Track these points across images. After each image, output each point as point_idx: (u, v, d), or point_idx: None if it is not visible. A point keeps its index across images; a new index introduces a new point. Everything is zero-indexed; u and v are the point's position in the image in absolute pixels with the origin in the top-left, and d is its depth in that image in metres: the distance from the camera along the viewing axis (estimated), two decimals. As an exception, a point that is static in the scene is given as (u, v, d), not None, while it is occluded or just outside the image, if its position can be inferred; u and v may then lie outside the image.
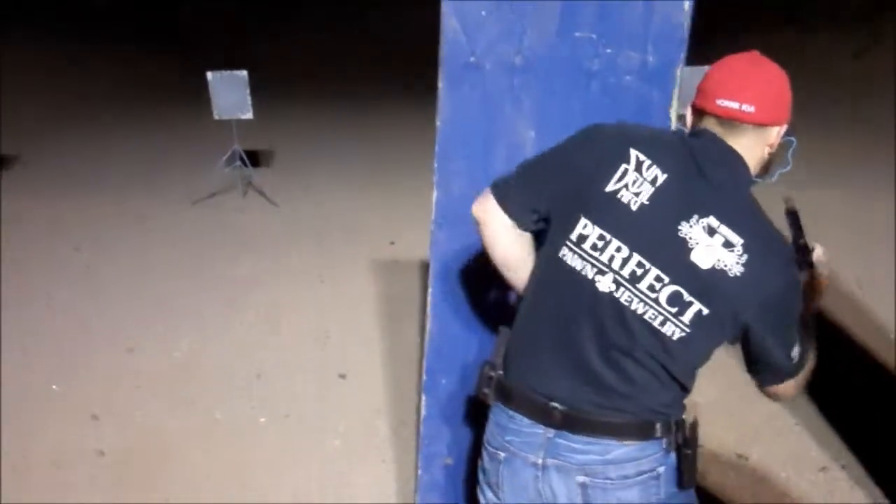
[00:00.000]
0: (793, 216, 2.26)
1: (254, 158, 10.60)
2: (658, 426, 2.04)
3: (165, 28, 21.77)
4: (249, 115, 9.07)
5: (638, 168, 1.96)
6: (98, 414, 4.68)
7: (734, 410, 4.23)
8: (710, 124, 2.02)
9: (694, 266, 1.91)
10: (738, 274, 1.89)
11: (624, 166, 1.97)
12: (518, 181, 2.16)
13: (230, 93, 8.97)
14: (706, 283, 1.90)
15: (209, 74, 8.92)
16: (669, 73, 2.63)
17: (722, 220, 1.91)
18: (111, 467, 4.20)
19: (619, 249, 1.96)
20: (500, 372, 2.23)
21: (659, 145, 2.01)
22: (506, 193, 2.16)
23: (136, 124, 14.47)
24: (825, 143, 12.48)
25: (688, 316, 1.93)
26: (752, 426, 4.29)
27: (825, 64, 18.11)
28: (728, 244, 1.90)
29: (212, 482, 4.05)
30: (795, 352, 2.03)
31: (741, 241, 1.90)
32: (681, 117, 2.46)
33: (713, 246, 1.90)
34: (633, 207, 1.95)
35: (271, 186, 9.89)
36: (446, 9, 2.65)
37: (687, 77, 8.56)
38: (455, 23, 2.66)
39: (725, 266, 1.89)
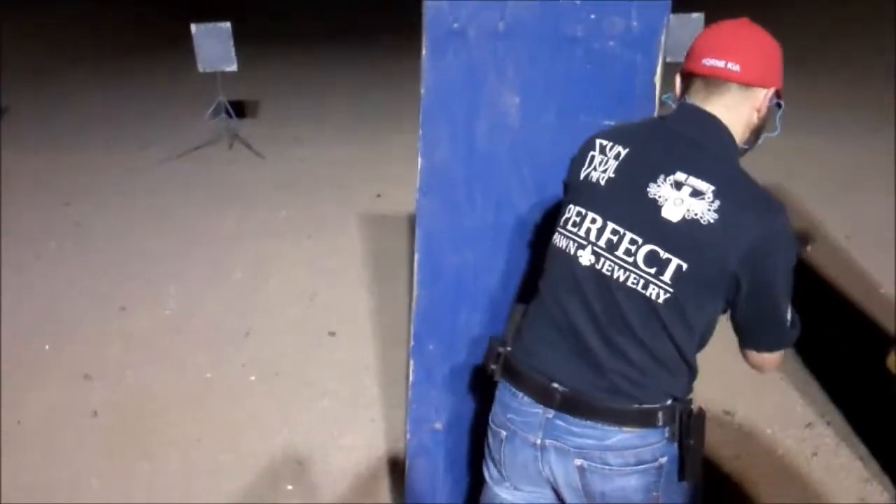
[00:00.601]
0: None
1: (239, 109, 10.57)
2: (660, 414, 2.02)
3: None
4: (234, 67, 9.03)
5: (602, 151, 2.06)
6: (91, 374, 4.70)
7: (721, 366, 4.23)
8: (696, 86, 2.03)
9: (665, 222, 1.89)
10: (712, 220, 1.85)
11: (591, 154, 2.09)
12: None
13: (214, 45, 8.92)
14: (680, 236, 1.88)
15: (193, 27, 8.85)
16: (654, 39, 2.61)
17: (689, 172, 1.91)
18: (104, 428, 4.23)
19: (594, 221, 2.01)
20: (509, 348, 2.24)
21: (624, 129, 2.13)
22: None
23: (121, 76, 14.38)
24: (811, 87, 12.47)
25: (668, 274, 1.90)
26: (738, 382, 4.31)
27: (812, 6, 18.02)
28: (696, 193, 1.88)
29: (203, 443, 4.07)
30: (790, 315, 2.00)
31: (711, 187, 1.87)
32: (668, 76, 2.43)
33: (682, 198, 1.89)
34: (602, 183, 2.02)
35: (257, 138, 9.87)
36: (428, -25, 2.62)
37: (675, 25, 8.47)
38: (438, -11, 2.64)
39: (696, 215, 1.86)
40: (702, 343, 2.05)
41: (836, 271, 5.79)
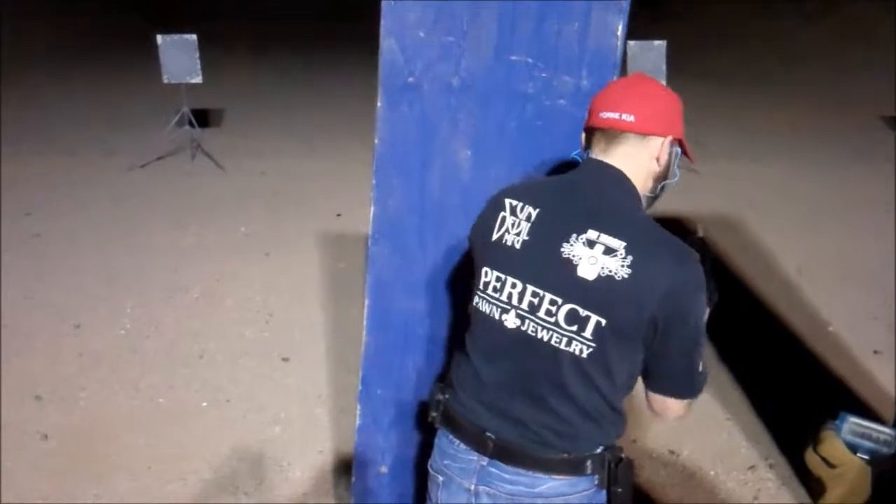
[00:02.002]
0: (700, 242, 2.27)
1: (203, 119, 10.58)
2: (589, 463, 2.08)
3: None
4: (199, 80, 9.04)
5: (513, 212, 2.10)
6: (42, 395, 4.67)
7: (668, 404, 4.28)
8: (596, 138, 2.10)
9: (582, 281, 1.94)
10: (626, 276, 1.90)
11: (501, 214, 2.12)
12: None
13: (180, 56, 8.92)
14: (596, 294, 1.94)
15: (159, 38, 8.84)
16: (603, 98, 2.67)
17: (601, 230, 1.96)
18: (54, 451, 4.20)
19: (514, 286, 2.05)
20: (447, 396, 2.27)
21: (532, 188, 2.18)
22: None
23: (84, 80, 14.27)
24: (773, 112, 12.63)
25: (589, 330, 1.95)
26: (686, 421, 4.36)
27: (780, 29, 18.22)
28: (609, 250, 1.93)
29: (153, 470, 4.07)
30: (702, 366, 2.05)
31: (622, 244, 1.93)
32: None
33: (595, 256, 1.94)
34: (518, 246, 2.06)
35: (220, 149, 9.86)
36: (385, 29, 2.68)
37: (637, 52, 8.57)
38: (393, 43, 2.69)
39: (611, 272, 1.92)
40: (628, 389, 2.10)
41: (786, 308, 5.89)
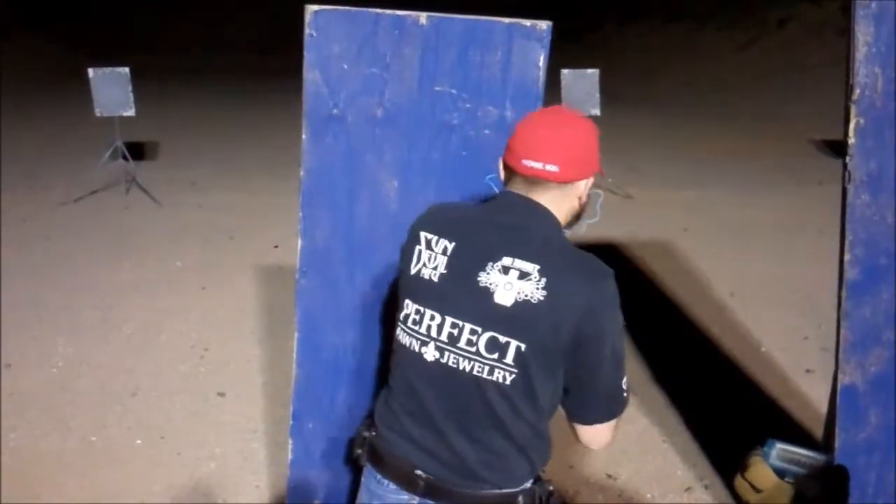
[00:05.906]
0: None
1: (138, 151, 10.49)
2: (520, 498, 2.09)
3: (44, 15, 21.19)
4: (132, 112, 9.00)
5: (428, 246, 2.10)
6: (-29, 437, 4.57)
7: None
8: (516, 182, 2.10)
9: (499, 307, 1.96)
10: (542, 298, 1.93)
11: (418, 248, 2.12)
12: None
13: (112, 89, 8.89)
14: (514, 319, 1.95)
15: (90, 71, 8.78)
16: (527, 128, 2.69)
17: (515, 256, 1.98)
18: (-17, 495, 4.12)
19: (432, 318, 2.06)
20: (374, 433, 2.26)
21: (447, 219, 2.16)
22: None
23: (15, 114, 14.06)
24: (707, 139, 12.83)
25: (510, 356, 1.97)
26: (622, 444, 4.41)
27: (712, 56, 18.55)
28: (524, 275, 1.95)
29: (84, 512, 4.00)
30: (625, 382, 2.07)
31: (536, 267, 1.95)
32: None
33: (511, 282, 1.96)
34: (435, 279, 2.06)
35: (155, 182, 9.77)
36: (308, 62, 2.69)
37: (571, 80, 8.64)
38: (317, 75, 2.70)
39: (527, 296, 1.94)
40: (552, 411, 2.11)
41: (719, 330, 5.98)
